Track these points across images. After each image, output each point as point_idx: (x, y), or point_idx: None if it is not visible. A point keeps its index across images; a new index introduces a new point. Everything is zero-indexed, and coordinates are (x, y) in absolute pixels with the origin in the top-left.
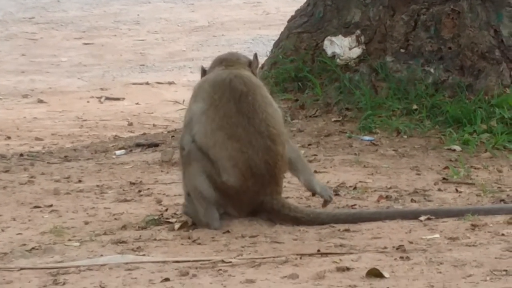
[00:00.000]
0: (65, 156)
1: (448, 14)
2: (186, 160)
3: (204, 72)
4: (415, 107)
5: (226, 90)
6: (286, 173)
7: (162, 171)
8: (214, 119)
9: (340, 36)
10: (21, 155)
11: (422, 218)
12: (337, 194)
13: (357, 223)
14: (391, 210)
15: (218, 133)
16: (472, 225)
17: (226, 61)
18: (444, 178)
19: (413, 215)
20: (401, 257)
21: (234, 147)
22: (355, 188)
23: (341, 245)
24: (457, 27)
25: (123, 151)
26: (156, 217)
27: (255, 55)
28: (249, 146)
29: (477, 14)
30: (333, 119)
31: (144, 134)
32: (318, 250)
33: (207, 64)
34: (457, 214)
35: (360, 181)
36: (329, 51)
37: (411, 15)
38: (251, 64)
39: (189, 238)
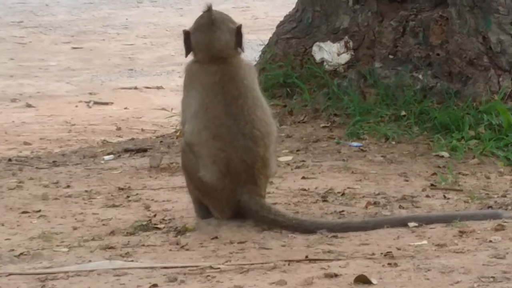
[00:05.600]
0: (54, 161)
1: (436, 21)
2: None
3: (188, 37)
4: (403, 113)
5: (219, 94)
6: (270, 175)
7: (150, 176)
8: (202, 120)
9: (328, 42)
10: (10, 160)
11: (411, 224)
12: (325, 200)
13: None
14: (379, 218)
15: (203, 132)
16: (460, 231)
17: (215, 51)
18: (432, 185)
19: (400, 223)
20: (389, 264)
21: (215, 146)
22: (343, 194)
23: (329, 252)
24: (446, 34)
25: (111, 156)
26: (144, 223)
27: (239, 28)
28: (230, 145)
29: (465, 20)
30: (321, 125)
31: (133, 139)
32: (306, 257)
33: None
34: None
35: (348, 187)
36: (317, 57)
37: (400, 21)
38: (236, 43)
39: (177, 244)
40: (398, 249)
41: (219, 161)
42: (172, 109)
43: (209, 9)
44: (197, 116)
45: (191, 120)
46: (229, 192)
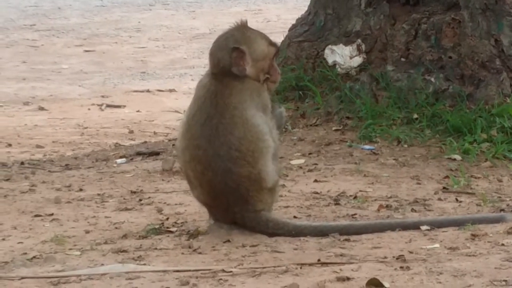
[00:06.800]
0: (66, 165)
1: (448, 23)
2: None
3: None
4: (415, 116)
5: (197, 111)
6: (267, 187)
7: (163, 179)
8: (185, 138)
9: (341, 45)
10: (22, 163)
11: (423, 227)
12: (337, 203)
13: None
14: (380, 221)
15: (186, 152)
16: (472, 235)
17: (211, 65)
18: (444, 188)
19: (395, 226)
20: (401, 267)
21: (197, 169)
22: (355, 197)
23: (341, 255)
24: (458, 36)
25: (124, 159)
26: (156, 226)
27: (234, 50)
28: (209, 169)
29: (477, 23)
30: (333, 128)
31: (145, 142)
32: (319, 260)
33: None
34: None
35: (360, 190)
36: (330, 60)
37: (412, 24)
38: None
39: (189, 247)
40: (410, 252)
41: (204, 184)
42: (184, 111)
43: (236, 24)
44: (182, 133)
45: (179, 136)
46: (222, 211)
